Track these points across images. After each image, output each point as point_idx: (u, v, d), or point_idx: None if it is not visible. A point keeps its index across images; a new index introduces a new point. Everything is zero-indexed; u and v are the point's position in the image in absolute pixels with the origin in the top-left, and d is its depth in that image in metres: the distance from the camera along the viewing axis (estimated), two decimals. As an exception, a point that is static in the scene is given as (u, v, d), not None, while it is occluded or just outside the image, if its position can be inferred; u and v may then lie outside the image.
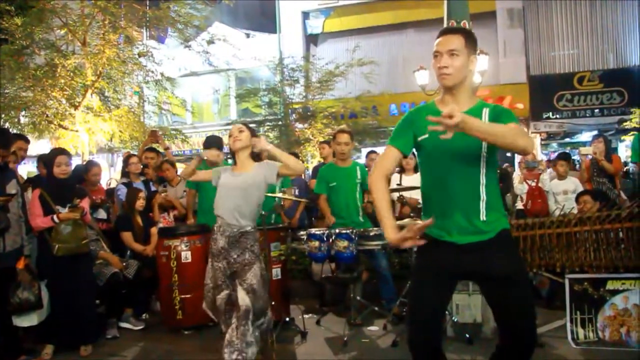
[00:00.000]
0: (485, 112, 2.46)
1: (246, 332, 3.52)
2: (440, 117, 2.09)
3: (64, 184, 4.65)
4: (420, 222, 2.34)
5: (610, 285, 4.09)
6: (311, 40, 17.55)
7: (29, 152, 5.80)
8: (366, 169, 5.91)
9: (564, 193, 6.55)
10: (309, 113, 13.14)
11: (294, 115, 13.44)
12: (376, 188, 2.53)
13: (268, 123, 13.64)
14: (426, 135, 2.48)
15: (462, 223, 2.44)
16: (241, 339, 3.50)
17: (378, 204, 2.49)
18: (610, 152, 7.20)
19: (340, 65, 12.97)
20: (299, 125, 13.28)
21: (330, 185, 5.45)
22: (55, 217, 4.50)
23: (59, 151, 4.83)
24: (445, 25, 6.07)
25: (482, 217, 2.44)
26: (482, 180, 2.43)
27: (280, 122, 13.48)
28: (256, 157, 3.84)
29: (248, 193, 3.71)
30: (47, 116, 10.16)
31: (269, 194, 5.31)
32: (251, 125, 13.74)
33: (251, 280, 3.58)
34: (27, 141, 5.80)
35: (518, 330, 2.44)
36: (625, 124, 12.97)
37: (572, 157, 9.11)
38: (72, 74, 9.82)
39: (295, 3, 17.01)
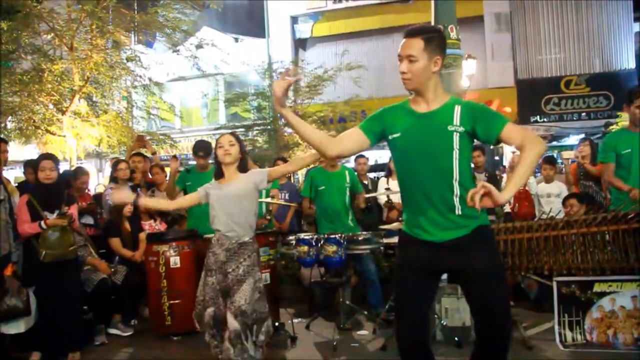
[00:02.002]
0: (457, 109, 2.47)
1: (245, 349, 3.53)
2: (477, 195, 2.18)
3: (51, 190, 4.62)
4: None
5: (597, 288, 4.12)
6: (300, 44, 17.58)
7: (16, 158, 5.74)
8: (355, 173, 5.95)
9: (547, 196, 6.59)
10: (297, 117, 13.13)
11: (282, 119, 13.42)
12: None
13: (257, 127, 13.62)
14: (398, 134, 2.54)
15: (437, 219, 2.48)
16: (241, 355, 3.52)
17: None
18: (596, 155, 7.24)
19: (329, 70, 12.98)
20: (288, 130, 13.26)
21: (320, 189, 5.47)
22: (42, 223, 4.46)
23: (43, 156, 4.80)
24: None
25: (457, 211, 2.47)
26: (455, 175, 2.46)
27: (269, 127, 13.46)
28: (243, 168, 3.81)
29: (240, 201, 3.68)
30: (34, 121, 10.06)
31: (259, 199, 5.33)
32: (239, 130, 13.56)
33: (239, 302, 3.53)
34: (6, 142, 5.73)
35: (493, 325, 2.48)
36: (611, 127, 13.08)
37: (558, 161, 9.17)
38: (59, 79, 9.72)
39: (283, 7, 17.04)
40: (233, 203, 3.67)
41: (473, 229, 2.48)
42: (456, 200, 2.47)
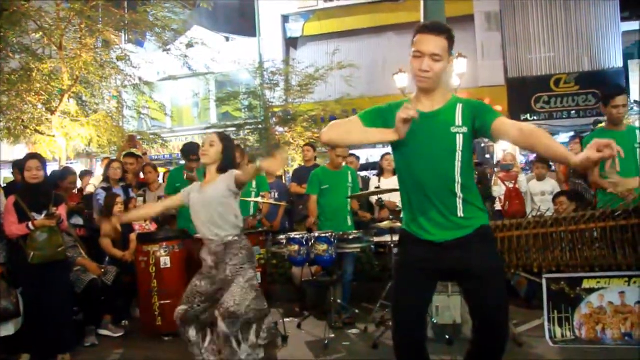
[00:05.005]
0: (459, 107, 2.46)
1: (234, 352, 3.49)
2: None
3: (39, 190, 4.57)
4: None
5: (586, 284, 4.15)
6: (291, 43, 17.56)
7: (4, 158, 5.71)
8: (357, 174, 5.99)
9: (541, 194, 6.62)
10: (289, 117, 13.13)
11: (274, 118, 13.42)
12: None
13: (248, 127, 13.60)
14: None
15: (439, 220, 2.45)
16: (232, 358, 3.48)
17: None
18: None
19: (320, 69, 12.98)
20: (279, 129, 13.27)
21: (323, 188, 5.47)
22: (30, 224, 4.42)
23: (30, 156, 4.75)
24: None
25: (460, 213, 2.45)
26: (458, 178, 2.43)
27: (260, 126, 13.46)
28: (223, 170, 3.69)
29: (216, 204, 3.59)
30: (22, 121, 10.00)
31: (247, 199, 5.32)
32: (231, 129, 13.37)
33: (227, 304, 3.46)
34: None
35: (493, 325, 2.47)
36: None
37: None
38: (48, 78, 9.69)
39: (275, 6, 17.00)
40: (209, 207, 3.59)
41: (476, 228, 2.46)
42: (459, 202, 2.44)
